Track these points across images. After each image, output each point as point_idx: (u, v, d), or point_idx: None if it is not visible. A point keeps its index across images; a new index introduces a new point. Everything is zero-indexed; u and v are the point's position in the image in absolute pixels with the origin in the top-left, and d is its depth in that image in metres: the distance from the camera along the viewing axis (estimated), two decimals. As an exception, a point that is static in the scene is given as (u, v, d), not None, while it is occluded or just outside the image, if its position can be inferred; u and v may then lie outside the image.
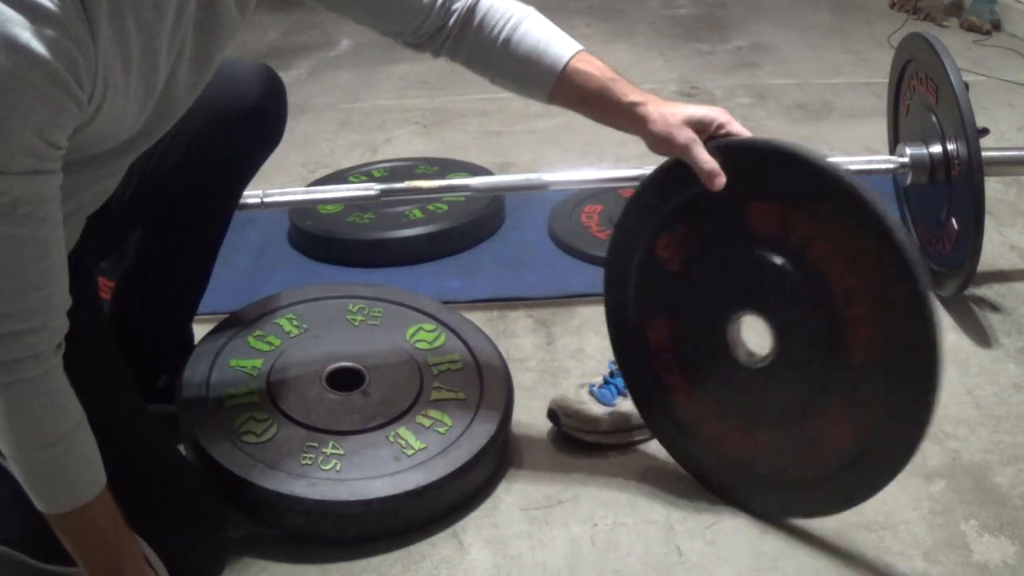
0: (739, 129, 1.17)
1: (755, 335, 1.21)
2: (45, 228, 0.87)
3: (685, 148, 1.15)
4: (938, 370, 1.03)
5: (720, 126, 1.16)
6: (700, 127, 1.15)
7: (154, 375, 1.45)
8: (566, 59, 1.17)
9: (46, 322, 0.90)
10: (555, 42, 1.18)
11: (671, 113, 1.15)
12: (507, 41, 1.17)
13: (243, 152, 1.37)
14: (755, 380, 1.19)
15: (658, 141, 1.17)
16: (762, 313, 1.18)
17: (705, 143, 1.15)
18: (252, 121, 1.33)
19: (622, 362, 1.34)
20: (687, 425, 1.28)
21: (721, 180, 1.14)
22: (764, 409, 1.20)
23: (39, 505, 0.95)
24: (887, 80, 1.88)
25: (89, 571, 1.00)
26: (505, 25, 1.17)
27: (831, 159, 1.17)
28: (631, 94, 1.17)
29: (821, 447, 1.14)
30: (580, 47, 1.19)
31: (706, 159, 1.14)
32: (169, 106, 1.05)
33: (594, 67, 1.18)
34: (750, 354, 1.21)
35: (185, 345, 1.49)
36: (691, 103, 1.18)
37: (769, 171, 1.14)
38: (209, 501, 1.19)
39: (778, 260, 1.14)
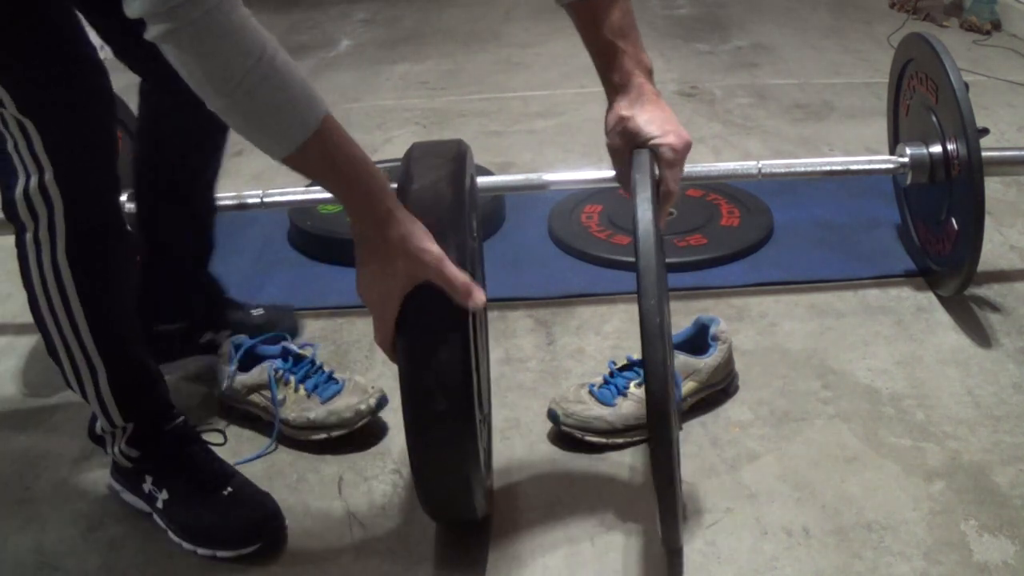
0: (672, 175, 1.12)
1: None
2: None
3: (609, 153, 1.18)
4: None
5: (655, 148, 1.12)
6: (634, 139, 1.13)
7: (198, 331, 1.58)
8: None
9: None
10: None
11: (621, 117, 1.14)
12: None
13: None
14: None
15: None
16: None
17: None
18: None
19: None
20: None
21: (624, 192, 1.16)
22: None
23: (272, 153, 0.94)
24: (887, 80, 1.88)
25: (356, 215, 0.99)
26: None
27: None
28: (616, 72, 1.14)
29: None
30: None
31: (621, 174, 1.17)
32: None
33: (608, 18, 1.13)
34: None
35: (222, 300, 1.62)
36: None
37: None
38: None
39: None
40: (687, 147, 1.14)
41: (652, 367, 0.98)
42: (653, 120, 1.13)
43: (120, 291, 1.23)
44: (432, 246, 1.01)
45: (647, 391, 0.99)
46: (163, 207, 1.54)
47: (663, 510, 1.03)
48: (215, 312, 1.62)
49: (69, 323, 1.18)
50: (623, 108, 1.14)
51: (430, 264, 1.01)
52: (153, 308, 1.53)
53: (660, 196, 1.11)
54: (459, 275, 1.02)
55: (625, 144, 1.15)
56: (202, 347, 1.59)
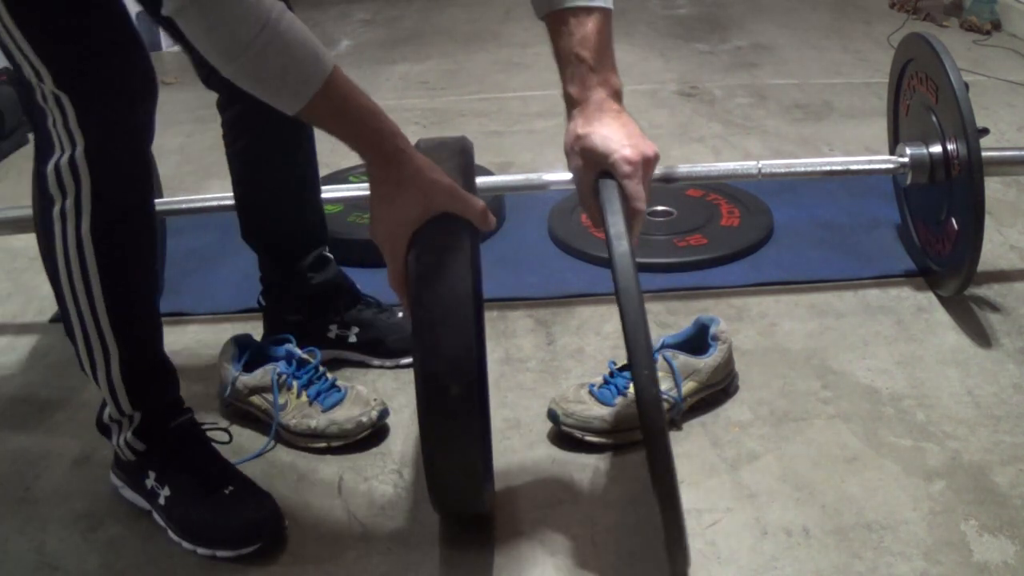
0: (632, 188, 1.07)
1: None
2: None
3: (573, 178, 1.14)
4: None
5: (612, 164, 1.07)
6: (592, 158, 1.09)
7: (322, 325, 1.58)
8: (564, 5, 1.10)
9: None
10: None
11: (576, 136, 1.10)
12: None
13: None
14: None
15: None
16: None
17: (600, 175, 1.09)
18: None
19: None
20: None
21: (593, 230, 1.13)
22: None
23: (284, 109, 1.00)
24: (887, 80, 1.88)
25: (368, 156, 1.05)
26: None
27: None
28: (575, 86, 1.10)
29: None
30: (597, 3, 1.10)
31: (583, 199, 1.13)
32: None
33: (580, 31, 1.09)
34: None
35: (348, 296, 1.61)
36: (631, 118, 1.11)
37: None
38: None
39: None
40: (647, 161, 1.08)
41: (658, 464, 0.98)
42: (611, 135, 1.08)
43: (141, 277, 1.23)
44: (444, 177, 1.06)
45: (651, 470, 0.99)
46: (248, 201, 1.54)
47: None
48: (339, 307, 1.60)
49: (88, 302, 1.17)
50: (579, 126, 1.09)
51: (443, 191, 1.06)
52: (277, 298, 1.59)
53: (626, 217, 1.05)
54: (473, 197, 1.07)
55: (586, 165, 1.10)
56: (332, 341, 1.59)
